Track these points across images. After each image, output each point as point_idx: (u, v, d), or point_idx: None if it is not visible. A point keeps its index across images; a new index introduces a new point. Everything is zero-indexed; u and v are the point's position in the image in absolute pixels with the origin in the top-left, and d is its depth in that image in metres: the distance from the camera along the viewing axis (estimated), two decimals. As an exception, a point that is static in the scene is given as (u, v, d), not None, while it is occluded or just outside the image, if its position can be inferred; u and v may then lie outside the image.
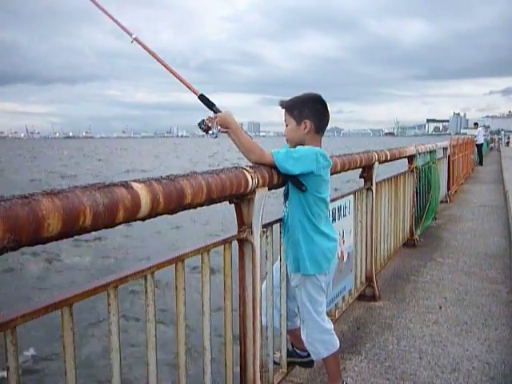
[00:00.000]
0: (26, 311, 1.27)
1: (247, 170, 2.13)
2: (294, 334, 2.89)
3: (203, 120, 2.50)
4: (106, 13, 2.75)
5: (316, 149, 2.46)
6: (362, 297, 4.32)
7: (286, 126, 2.59)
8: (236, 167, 2.14)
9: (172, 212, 1.70)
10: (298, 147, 2.45)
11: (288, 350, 2.93)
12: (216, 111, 2.57)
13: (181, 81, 2.60)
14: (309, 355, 2.84)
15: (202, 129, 2.52)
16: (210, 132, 2.50)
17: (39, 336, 5.82)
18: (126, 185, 1.48)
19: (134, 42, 2.67)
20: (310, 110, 2.52)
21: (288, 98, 2.62)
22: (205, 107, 2.58)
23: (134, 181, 1.54)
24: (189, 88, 2.62)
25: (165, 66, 2.60)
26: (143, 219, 1.58)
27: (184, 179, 1.73)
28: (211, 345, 2.07)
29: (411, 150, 5.90)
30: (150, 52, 2.64)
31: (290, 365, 2.96)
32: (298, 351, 2.96)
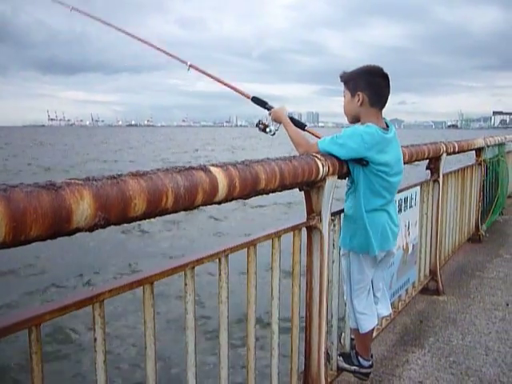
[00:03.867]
0: (113, 286, 1.33)
1: (318, 158, 2.14)
2: (361, 336, 2.63)
3: (259, 120, 2.59)
4: (159, 49, 3.14)
5: (360, 128, 2.31)
6: (425, 290, 4.24)
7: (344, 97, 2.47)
8: (308, 155, 2.15)
9: (246, 197, 1.74)
10: (344, 130, 2.34)
11: (351, 354, 2.72)
12: (269, 108, 2.62)
13: (234, 89, 2.86)
14: (370, 366, 2.67)
15: (260, 128, 2.60)
16: (268, 130, 2.58)
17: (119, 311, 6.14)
18: (204, 168, 1.52)
19: (191, 68, 2.99)
20: (364, 82, 2.36)
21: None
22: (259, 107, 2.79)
23: (212, 165, 1.57)
24: (242, 94, 2.83)
25: (219, 81, 2.93)
26: (219, 203, 1.62)
27: (258, 165, 1.76)
28: (279, 329, 2.11)
29: (480, 143, 5.71)
30: (205, 73, 2.98)
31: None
32: (360, 360, 2.67)
